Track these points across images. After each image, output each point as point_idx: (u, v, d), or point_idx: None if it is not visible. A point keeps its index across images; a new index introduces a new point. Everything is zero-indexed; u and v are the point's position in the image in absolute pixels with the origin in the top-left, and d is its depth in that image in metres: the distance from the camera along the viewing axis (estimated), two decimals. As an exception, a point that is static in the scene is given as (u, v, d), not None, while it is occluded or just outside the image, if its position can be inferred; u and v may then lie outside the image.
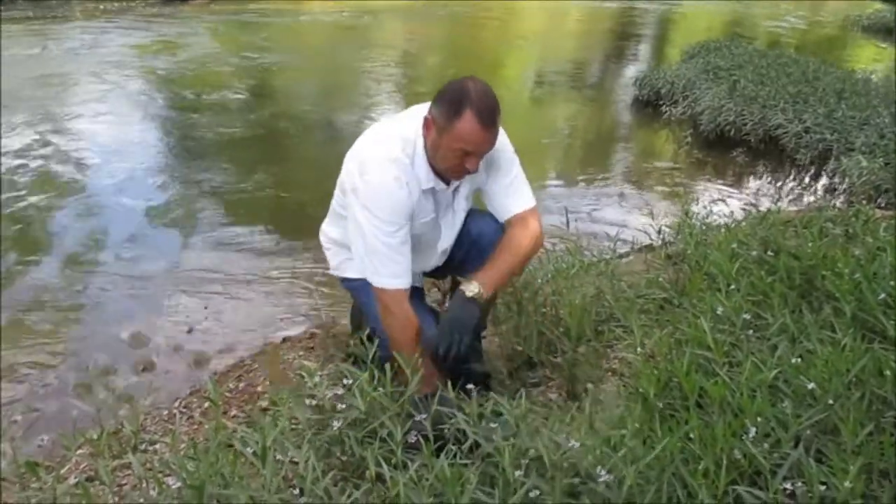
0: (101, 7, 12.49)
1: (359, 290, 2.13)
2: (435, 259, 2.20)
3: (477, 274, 1.99)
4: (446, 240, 2.16)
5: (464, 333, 1.89)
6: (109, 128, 6.09)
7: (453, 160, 1.92)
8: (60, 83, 7.44)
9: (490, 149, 1.95)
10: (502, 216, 2.13)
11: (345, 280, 2.29)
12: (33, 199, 4.51)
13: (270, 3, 13.73)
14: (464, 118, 1.85)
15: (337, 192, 2.16)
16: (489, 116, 1.87)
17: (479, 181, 2.12)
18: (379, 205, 1.93)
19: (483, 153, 1.93)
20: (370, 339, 2.09)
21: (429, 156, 1.97)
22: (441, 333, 1.91)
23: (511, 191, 2.12)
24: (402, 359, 1.78)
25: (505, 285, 2.14)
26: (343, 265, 2.26)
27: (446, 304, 2.44)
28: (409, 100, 7.50)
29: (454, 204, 2.12)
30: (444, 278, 2.46)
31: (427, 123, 1.94)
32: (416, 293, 2.23)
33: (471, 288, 1.94)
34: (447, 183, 2.05)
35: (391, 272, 1.96)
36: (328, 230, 2.32)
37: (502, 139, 2.09)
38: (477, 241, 2.15)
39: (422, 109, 2.02)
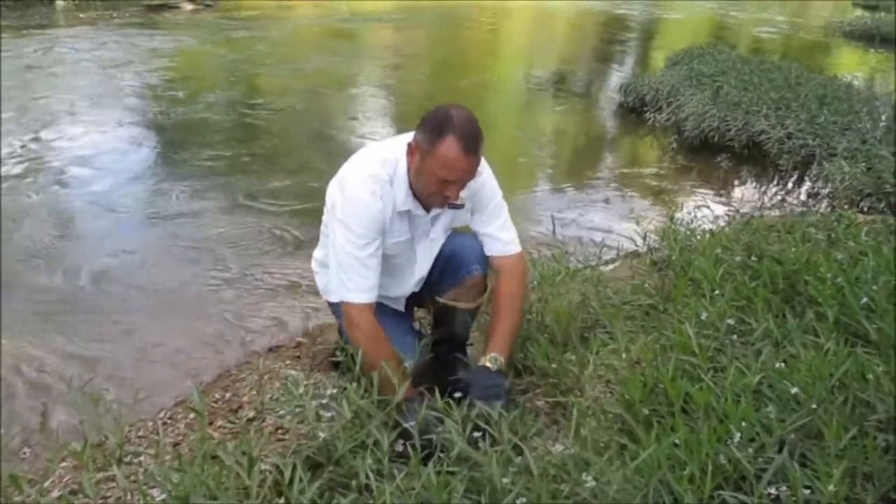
0: (83, 16, 12.44)
1: (341, 315, 2.13)
2: (411, 284, 2.22)
3: (490, 345, 2.04)
4: (422, 266, 2.19)
5: (499, 398, 1.89)
6: (91, 137, 6.05)
7: (434, 186, 1.94)
8: (42, 90, 7.40)
9: (470, 178, 1.96)
10: (492, 259, 2.18)
11: (331, 304, 2.32)
12: (14, 204, 4.47)
13: (256, 10, 13.73)
14: (445, 143, 1.87)
15: (324, 216, 2.18)
16: (471, 143, 1.88)
17: (464, 218, 2.16)
18: (353, 217, 1.97)
19: (463, 181, 1.95)
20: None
21: (411, 180, 2.00)
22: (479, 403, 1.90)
23: (501, 234, 2.16)
24: (388, 366, 1.79)
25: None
26: (329, 287, 2.28)
27: (430, 321, 2.43)
28: (407, 106, 7.51)
29: (431, 232, 2.15)
30: (422, 306, 2.45)
31: (411, 149, 1.96)
32: (399, 316, 2.25)
33: (492, 361, 1.99)
34: (427, 210, 2.08)
35: (357, 286, 1.99)
36: (316, 254, 2.36)
37: (492, 182, 2.13)
38: (450, 260, 2.18)
39: (407, 136, 2.04)
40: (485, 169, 2.07)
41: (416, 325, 2.41)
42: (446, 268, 2.19)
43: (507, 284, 2.14)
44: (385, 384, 1.78)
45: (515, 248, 2.19)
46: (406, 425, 1.66)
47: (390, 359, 1.89)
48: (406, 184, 2.01)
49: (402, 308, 2.29)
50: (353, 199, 1.97)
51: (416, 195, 2.03)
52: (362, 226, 1.97)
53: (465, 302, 2.18)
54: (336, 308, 2.25)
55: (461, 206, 2.07)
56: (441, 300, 2.20)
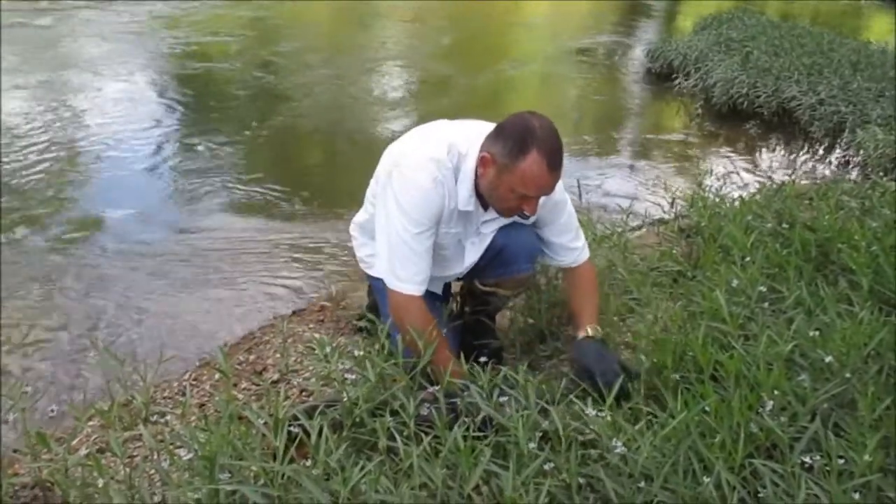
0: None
1: (382, 292, 2.02)
2: (460, 270, 2.12)
3: (583, 321, 1.99)
4: (470, 259, 2.09)
5: (613, 362, 1.82)
6: (118, 102, 6.02)
7: (512, 201, 1.85)
8: (67, 55, 7.40)
9: (551, 192, 1.88)
10: (564, 265, 2.14)
11: (371, 278, 2.23)
12: (40, 165, 4.48)
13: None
14: (529, 159, 1.76)
15: (372, 182, 2.08)
16: (555, 158, 1.79)
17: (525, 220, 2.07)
18: (410, 201, 1.86)
19: (544, 195, 1.87)
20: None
21: (481, 189, 1.91)
22: (598, 369, 1.81)
23: (575, 244, 2.11)
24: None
25: None
26: (370, 260, 2.19)
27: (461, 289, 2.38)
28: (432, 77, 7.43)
29: (482, 228, 2.05)
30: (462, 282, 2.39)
31: (484, 161, 1.85)
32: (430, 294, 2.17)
33: (592, 332, 1.95)
34: (485, 209, 2.00)
35: (410, 276, 1.89)
36: (358, 218, 2.25)
37: (562, 191, 2.04)
38: (501, 253, 2.08)
39: (477, 126, 1.94)
40: None
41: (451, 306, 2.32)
42: (495, 259, 2.09)
43: (585, 277, 2.12)
44: (436, 371, 1.76)
45: (587, 253, 2.14)
46: (431, 389, 1.65)
47: (443, 345, 1.82)
48: (471, 183, 1.90)
49: (439, 290, 2.20)
50: (410, 180, 1.86)
51: (481, 198, 1.95)
52: (422, 214, 1.86)
53: (507, 290, 2.15)
54: (375, 280, 2.17)
55: (527, 217, 1.97)
56: (482, 288, 2.15)
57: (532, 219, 2.00)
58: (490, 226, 2.05)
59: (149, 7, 9.66)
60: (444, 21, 10.85)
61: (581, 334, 1.96)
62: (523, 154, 1.77)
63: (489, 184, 1.86)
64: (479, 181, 1.90)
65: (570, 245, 2.10)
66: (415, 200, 1.86)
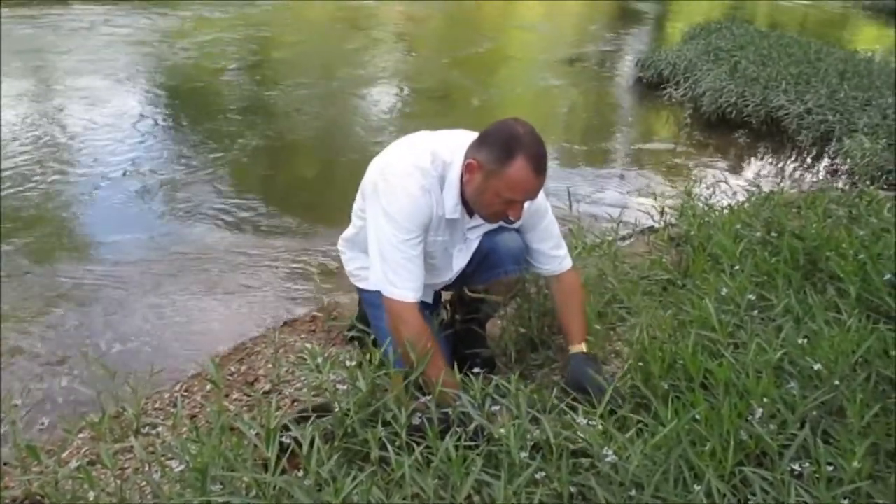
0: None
1: (373, 305, 2.04)
2: (449, 277, 2.14)
3: (573, 337, 2.02)
4: (458, 265, 2.10)
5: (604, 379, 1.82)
6: (113, 117, 5.99)
7: (498, 206, 1.88)
8: (58, 65, 7.38)
9: (536, 196, 1.91)
10: (548, 277, 2.16)
11: (361, 290, 2.23)
12: (28, 181, 4.46)
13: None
14: (516, 164, 1.79)
15: (358, 196, 2.09)
16: (541, 163, 1.81)
17: (510, 225, 2.09)
18: (399, 209, 1.87)
19: (529, 200, 1.90)
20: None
21: (467, 195, 1.92)
22: (586, 385, 1.83)
23: (556, 252, 2.12)
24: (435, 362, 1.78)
25: None
26: (360, 273, 2.20)
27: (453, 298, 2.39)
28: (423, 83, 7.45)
29: (468, 234, 2.07)
30: (451, 290, 2.38)
31: (470, 167, 1.87)
32: (427, 311, 2.16)
33: (583, 348, 1.99)
34: (470, 215, 2.02)
35: (405, 283, 1.88)
36: (345, 234, 2.26)
37: (543, 197, 2.06)
38: (488, 257, 2.10)
39: (458, 136, 1.96)
40: None
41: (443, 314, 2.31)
42: (482, 263, 2.11)
43: (570, 286, 2.13)
44: (429, 381, 1.75)
45: (569, 262, 2.15)
46: (423, 400, 1.65)
47: (437, 355, 1.82)
48: (457, 191, 1.92)
49: (429, 299, 2.18)
50: (397, 188, 1.87)
51: (466, 205, 1.96)
52: (410, 221, 1.87)
53: (496, 296, 2.16)
54: (366, 296, 2.18)
55: (512, 222, 1.98)
56: (471, 294, 2.16)
57: (517, 224, 2.01)
58: (476, 231, 2.07)
59: (148, 16, 9.68)
60: (441, 22, 10.89)
61: (574, 349, 1.99)
62: (510, 159, 1.79)
63: (475, 189, 1.88)
64: (465, 187, 1.91)
65: (551, 253, 2.12)
66: (403, 208, 1.87)
